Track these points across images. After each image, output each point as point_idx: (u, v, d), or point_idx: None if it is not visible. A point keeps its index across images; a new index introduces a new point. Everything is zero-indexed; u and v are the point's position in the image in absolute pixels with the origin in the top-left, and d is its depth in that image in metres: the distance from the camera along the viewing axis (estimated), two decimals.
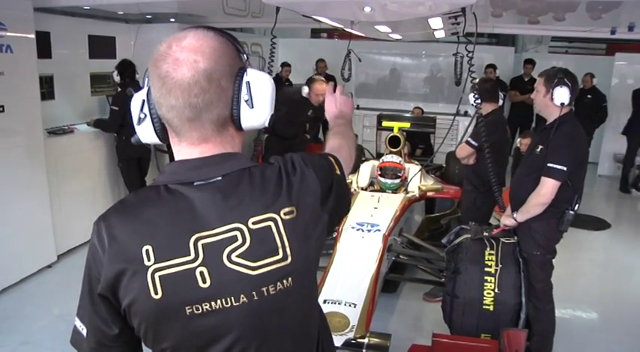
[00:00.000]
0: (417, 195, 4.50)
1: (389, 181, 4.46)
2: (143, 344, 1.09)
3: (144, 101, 1.06)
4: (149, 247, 0.97)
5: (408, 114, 7.22)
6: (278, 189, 1.04)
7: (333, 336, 1.38)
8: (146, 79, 1.04)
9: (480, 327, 3.04)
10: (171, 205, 1.00)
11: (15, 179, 4.06)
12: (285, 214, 1.02)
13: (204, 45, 0.99)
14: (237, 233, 0.99)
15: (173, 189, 1.01)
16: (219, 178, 1.01)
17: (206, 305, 0.97)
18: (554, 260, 3.13)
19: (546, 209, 2.92)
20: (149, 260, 0.96)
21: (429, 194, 4.67)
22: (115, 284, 0.98)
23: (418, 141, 6.70)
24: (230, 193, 1.01)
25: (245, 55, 1.08)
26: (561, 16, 4.48)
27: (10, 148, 3.99)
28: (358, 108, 9.10)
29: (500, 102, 4.09)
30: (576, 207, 2.96)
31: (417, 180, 4.67)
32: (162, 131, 1.07)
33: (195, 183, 1.01)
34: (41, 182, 4.33)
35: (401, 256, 3.95)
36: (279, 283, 1.01)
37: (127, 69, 5.02)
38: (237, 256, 0.98)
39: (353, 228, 3.59)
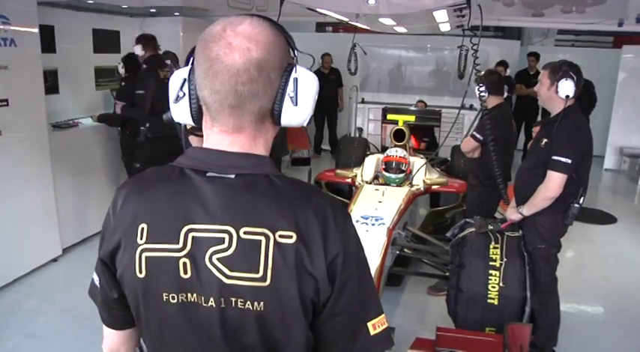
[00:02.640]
0: (422, 189, 4.48)
1: (393, 176, 4.46)
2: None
3: (185, 80, 1.02)
4: (144, 226, 0.98)
5: (412, 108, 7.18)
6: (287, 209, 0.97)
7: None
8: (191, 58, 1.00)
9: (485, 321, 3.03)
10: (179, 190, 0.99)
11: (20, 173, 4.07)
12: (280, 236, 0.94)
13: (259, 34, 0.95)
14: (226, 236, 0.95)
15: (187, 174, 0.99)
16: (232, 176, 0.97)
17: (182, 296, 0.97)
18: (559, 254, 3.11)
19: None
20: (141, 238, 0.98)
21: (434, 187, 4.65)
22: (114, 253, 1.02)
23: (423, 135, 6.67)
24: (236, 194, 0.97)
25: (295, 51, 1.04)
26: (568, 9, 4.45)
27: (15, 142, 3.99)
28: (363, 101, 9.07)
29: (505, 94, 4.06)
30: (581, 201, 2.94)
31: (422, 174, 4.65)
32: (197, 113, 1.03)
33: (207, 174, 0.98)
34: (46, 176, 4.33)
35: (405, 250, 3.94)
36: (248, 303, 0.94)
37: (134, 63, 5.02)
38: (218, 259, 0.95)
39: (357, 221, 3.57)
